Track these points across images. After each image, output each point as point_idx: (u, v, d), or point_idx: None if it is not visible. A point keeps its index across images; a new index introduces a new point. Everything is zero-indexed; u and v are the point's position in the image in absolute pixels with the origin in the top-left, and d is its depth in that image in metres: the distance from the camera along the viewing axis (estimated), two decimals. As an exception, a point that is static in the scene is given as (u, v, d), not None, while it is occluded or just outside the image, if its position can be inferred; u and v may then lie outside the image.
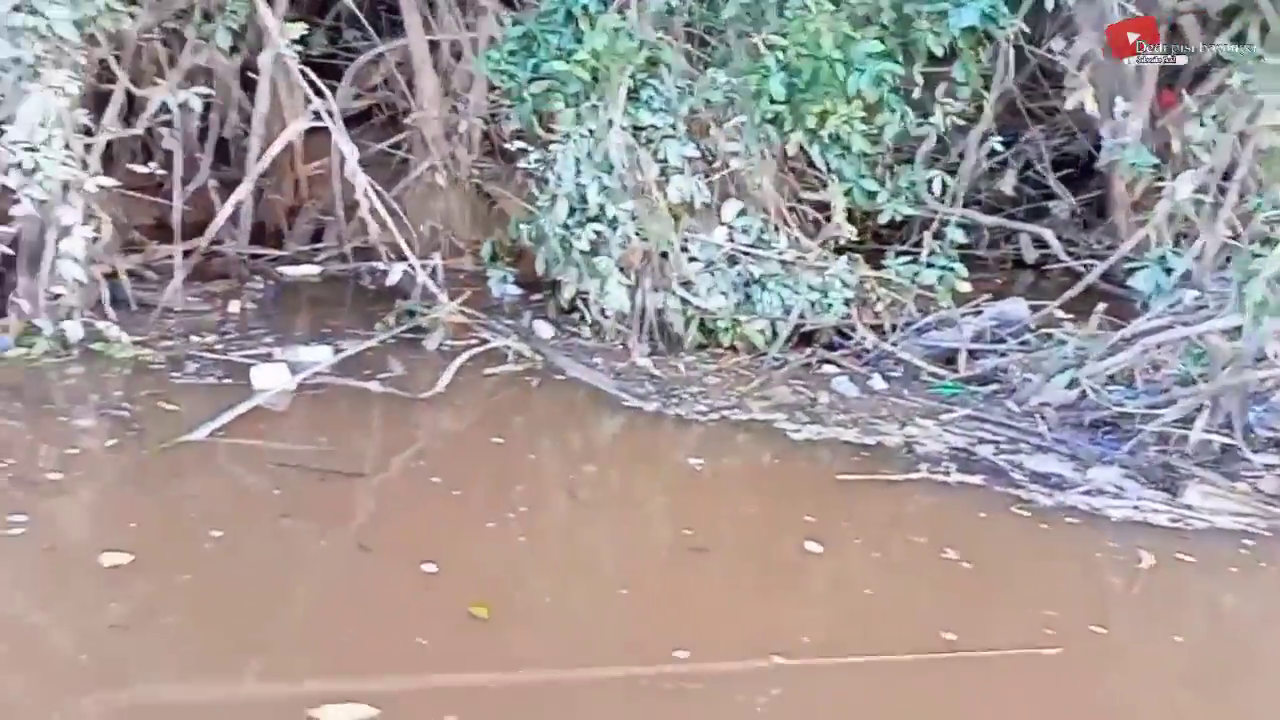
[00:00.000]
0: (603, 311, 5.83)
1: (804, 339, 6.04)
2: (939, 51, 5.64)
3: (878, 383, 5.60)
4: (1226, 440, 4.68)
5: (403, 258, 6.04)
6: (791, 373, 5.68)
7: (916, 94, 6.08)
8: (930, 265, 6.02)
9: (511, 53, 6.13)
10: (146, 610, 3.42)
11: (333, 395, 5.12)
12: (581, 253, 5.82)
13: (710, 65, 6.17)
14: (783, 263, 5.93)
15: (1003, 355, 5.76)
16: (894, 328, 6.02)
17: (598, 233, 5.76)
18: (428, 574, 3.63)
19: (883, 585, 3.83)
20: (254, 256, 7.30)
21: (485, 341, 5.80)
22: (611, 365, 5.66)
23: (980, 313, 6.07)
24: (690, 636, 3.32)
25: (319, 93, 6.13)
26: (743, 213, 5.97)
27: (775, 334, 5.89)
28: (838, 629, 3.53)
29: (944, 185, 6.27)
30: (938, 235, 6.13)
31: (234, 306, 6.41)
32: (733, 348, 5.90)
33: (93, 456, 4.56)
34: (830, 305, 5.92)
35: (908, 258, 6.15)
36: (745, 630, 3.44)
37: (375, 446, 4.98)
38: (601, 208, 5.73)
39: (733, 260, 5.90)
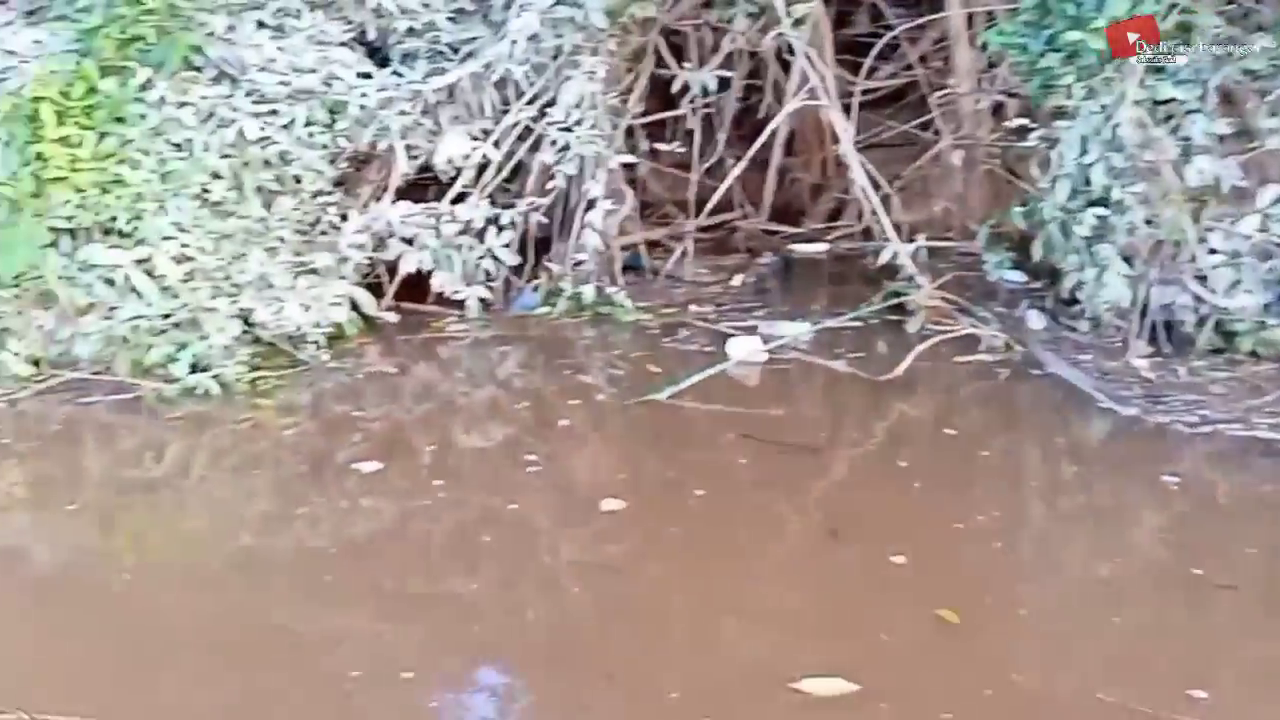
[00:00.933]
0: (1101, 304, 5.92)
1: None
2: None
3: None
4: None
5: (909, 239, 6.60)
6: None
7: None
8: None
9: (1026, 23, 6.36)
10: (637, 554, 4.25)
11: (799, 370, 5.91)
12: (1083, 239, 5.98)
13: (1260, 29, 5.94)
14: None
15: None
16: None
17: (1100, 218, 5.88)
18: (896, 565, 3.97)
19: None
20: (770, 233, 8.39)
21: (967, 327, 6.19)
22: (1100, 364, 5.80)
23: None
24: (1208, 679, 3.28)
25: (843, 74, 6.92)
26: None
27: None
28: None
29: None
30: None
31: (737, 280, 7.45)
32: (1254, 354, 5.72)
33: (589, 408, 5.68)
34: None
35: None
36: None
37: (830, 425, 5.61)
38: (1107, 190, 5.84)
39: (1266, 254, 5.69)
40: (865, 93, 8.52)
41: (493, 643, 3.59)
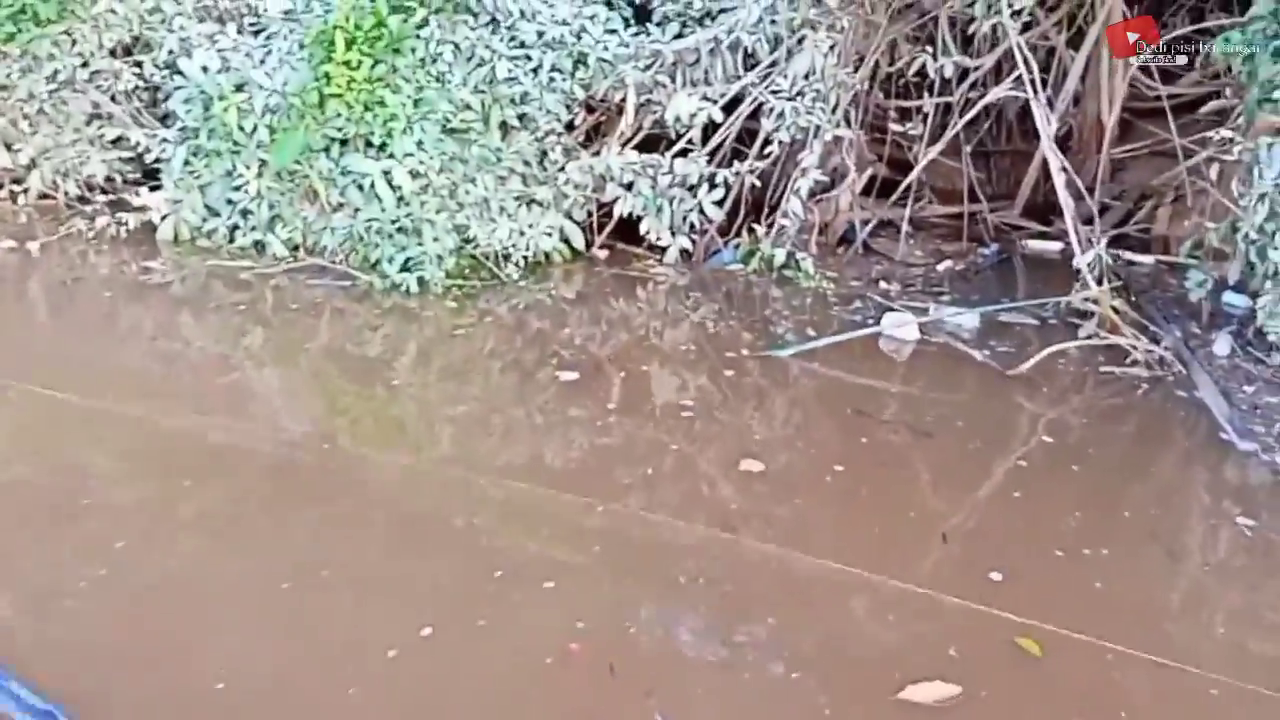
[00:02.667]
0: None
1: None
2: None
3: None
4: None
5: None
6: None
7: None
8: None
9: (1258, 33, 5.84)
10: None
11: (941, 353, 5.84)
12: (1277, 265, 5.47)
13: None
14: None
15: None
16: None
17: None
18: (993, 582, 3.73)
19: None
20: (1016, 228, 8.22)
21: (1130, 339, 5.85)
22: (1261, 399, 5.31)
23: None
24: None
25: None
26: None
27: None
28: None
29: None
30: None
31: (943, 265, 7.38)
32: None
33: (727, 359, 5.78)
34: None
35: None
36: None
37: (947, 411, 5.36)
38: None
39: None
40: (1171, 98, 8.12)
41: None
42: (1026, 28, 8.21)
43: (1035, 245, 7.80)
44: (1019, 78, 6.28)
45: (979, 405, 5.45)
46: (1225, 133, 5.88)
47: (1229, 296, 6.56)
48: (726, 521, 4.08)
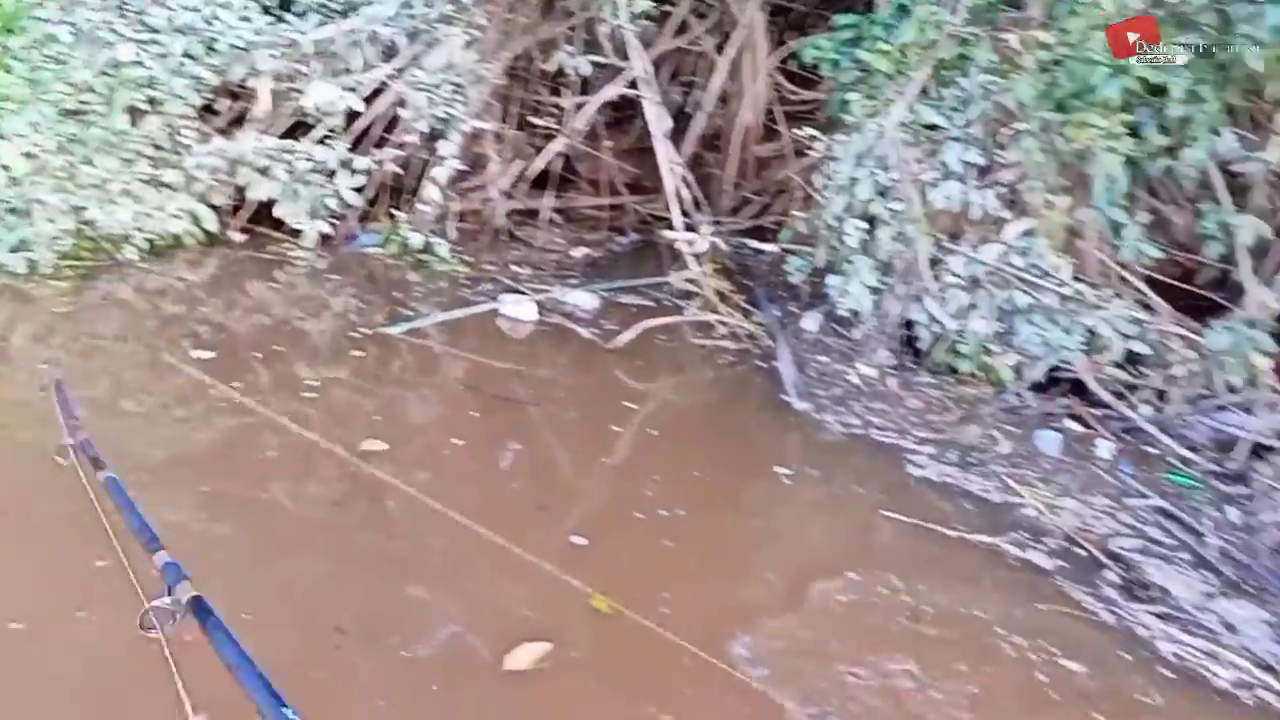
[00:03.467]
0: (846, 311, 5.97)
1: (1077, 389, 5.63)
2: (1257, 65, 4.80)
3: (1103, 450, 5.10)
4: None
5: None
6: (1017, 419, 5.38)
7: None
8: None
9: (844, 41, 6.43)
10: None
11: (555, 333, 6.07)
12: (850, 249, 6.03)
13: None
14: (1062, 297, 5.55)
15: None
16: (1191, 400, 5.36)
17: (862, 231, 5.92)
18: (577, 546, 3.91)
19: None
20: (661, 219, 8.54)
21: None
22: (833, 368, 5.85)
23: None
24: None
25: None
26: (1030, 233, 5.67)
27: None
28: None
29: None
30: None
31: (579, 252, 7.66)
32: (974, 377, 5.70)
33: (342, 336, 5.84)
34: (1098, 353, 5.46)
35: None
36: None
37: (550, 384, 5.62)
38: (869, 205, 5.89)
39: (1004, 284, 5.66)
40: (808, 101, 8.72)
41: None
42: (682, 31, 8.75)
43: (672, 236, 8.20)
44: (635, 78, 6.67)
45: (579, 378, 5.73)
46: (810, 130, 6.41)
47: (830, 279, 7.17)
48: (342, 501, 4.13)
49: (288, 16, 7.10)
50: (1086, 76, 5.02)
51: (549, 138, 7.95)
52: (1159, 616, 3.74)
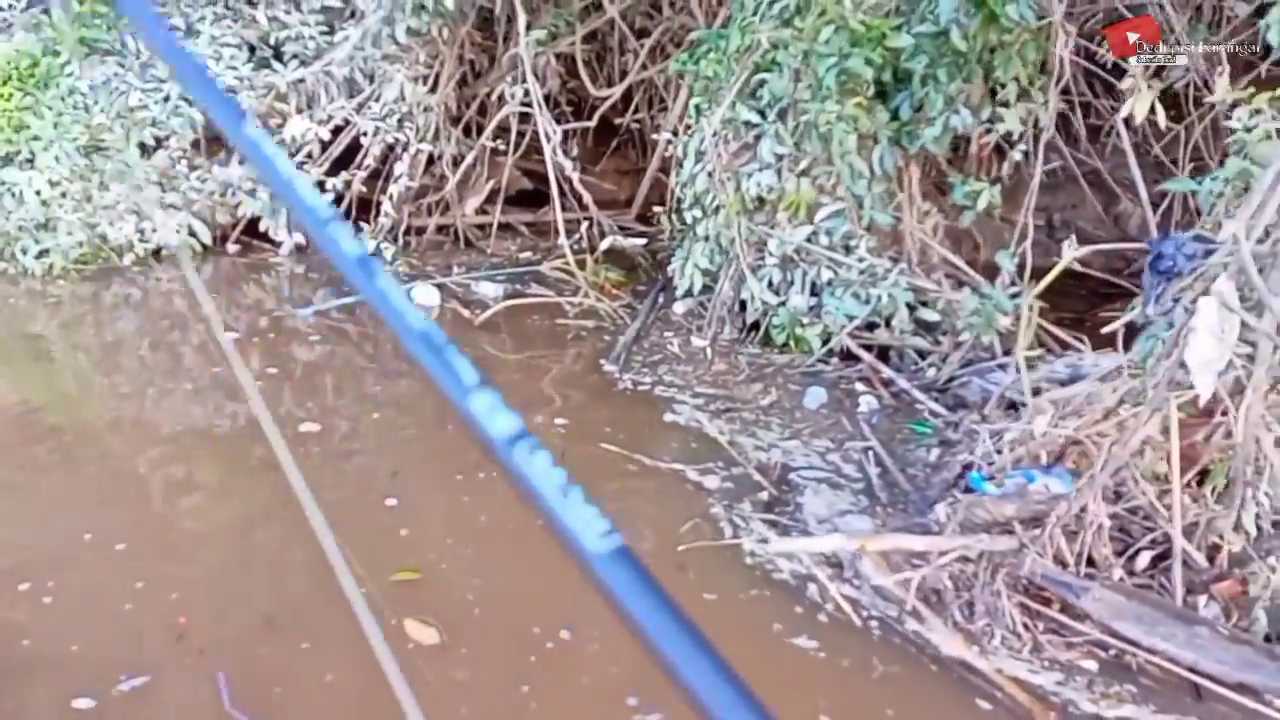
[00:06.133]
0: (683, 289, 6.43)
1: (883, 355, 5.89)
2: (961, 45, 4.99)
3: (864, 405, 5.35)
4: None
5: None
6: (801, 379, 5.67)
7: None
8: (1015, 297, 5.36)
9: (702, 51, 6.88)
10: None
11: (442, 314, 6.71)
12: (691, 236, 6.49)
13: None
14: (861, 272, 5.85)
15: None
16: (968, 362, 5.55)
17: (696, 218, 6.36)
18: (387, 507, 4.34)
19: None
20: (626, 229, 9.08)
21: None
22: (670, 340, 6.28)
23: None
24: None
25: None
26: (838, 215, 5.99)
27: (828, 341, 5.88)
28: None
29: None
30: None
31: (524, 255, 8.27)
32: (787, 347, 6.03)
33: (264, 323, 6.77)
34: (890, 320, 5.74)
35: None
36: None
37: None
38: (703, 194, 6.32)
39: (813, 262, 5.99)
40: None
41: None
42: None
43: (622, 241, 8.77)
44: (528, 95, 7.33)
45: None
46: (667, 135, 6.90)
47: (672, 263, 7.30)
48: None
49: (274, 63, 8.17)
50: (818, 69, 5.37)
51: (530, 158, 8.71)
52: (769, 524, 4.11)
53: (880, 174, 5.63)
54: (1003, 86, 5.16)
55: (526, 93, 7.42)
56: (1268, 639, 3.08)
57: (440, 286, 7.14)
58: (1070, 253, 4.01)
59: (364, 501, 4.34)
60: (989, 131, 5.32)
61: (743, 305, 6.34)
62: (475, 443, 0.77)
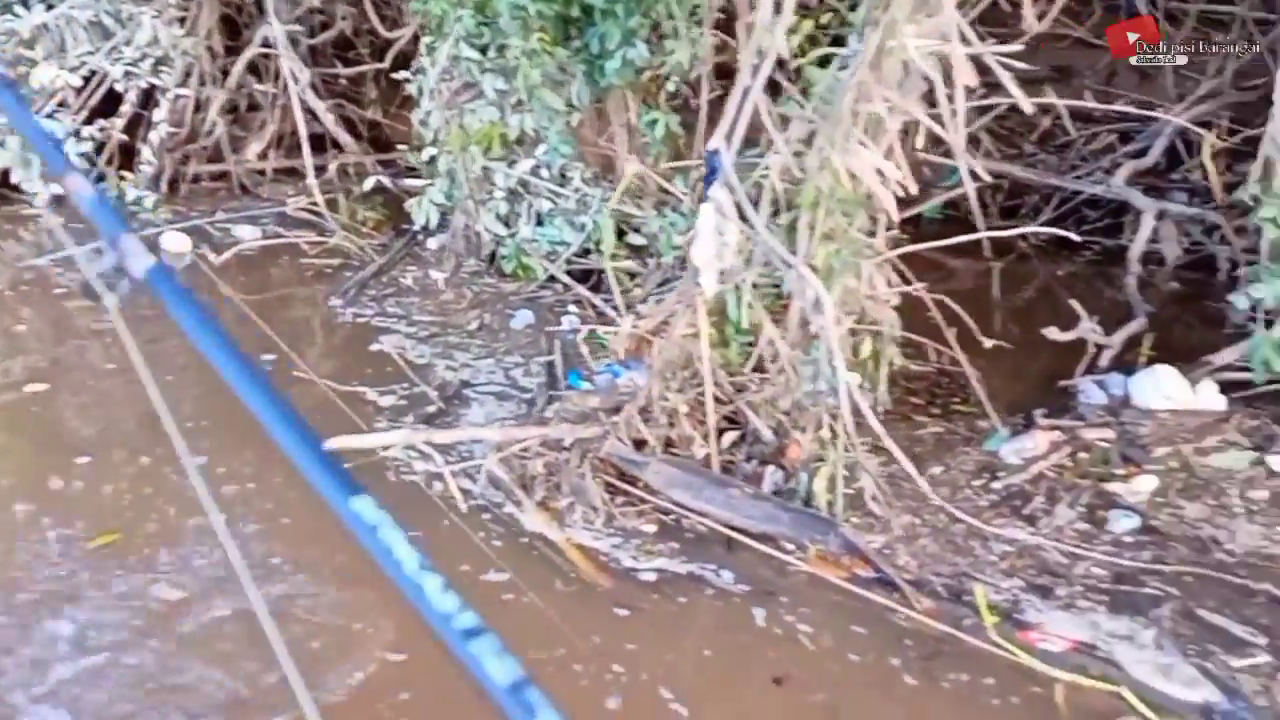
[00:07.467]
0: (424, 227, 6.63)
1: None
2: None
3: (570, 323, 5.64)
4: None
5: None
6: (518, 304, 5.94)
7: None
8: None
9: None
10: None
11: (191, 259, 6.72)
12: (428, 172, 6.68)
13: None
14: (578, 201, 6.13)
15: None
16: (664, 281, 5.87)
17: (433, 155, 6.54)
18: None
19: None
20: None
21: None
22: (407, 274, 6.49)
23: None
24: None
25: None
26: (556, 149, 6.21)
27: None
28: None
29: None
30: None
31: (297, 201, 8.27)
32: (515, 275, 6.28)
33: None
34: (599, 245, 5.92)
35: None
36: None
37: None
38: (436, 134, 6.49)
39: (537, 194, 6.23)
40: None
41: None
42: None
43: (388, 181, 8.78)
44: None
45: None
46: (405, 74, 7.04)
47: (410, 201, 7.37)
48: None
49: (16, 8, 7.98)
50: (497, 6, 5.62)
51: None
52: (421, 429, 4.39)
53: (581, 106, 5.87)
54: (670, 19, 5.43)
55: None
56: (806, 500, 3.47)
57: (195, 231, 7.17)
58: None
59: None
60: (663, 65, 5.58)
61: (479, 238, 6.56)
62: None
